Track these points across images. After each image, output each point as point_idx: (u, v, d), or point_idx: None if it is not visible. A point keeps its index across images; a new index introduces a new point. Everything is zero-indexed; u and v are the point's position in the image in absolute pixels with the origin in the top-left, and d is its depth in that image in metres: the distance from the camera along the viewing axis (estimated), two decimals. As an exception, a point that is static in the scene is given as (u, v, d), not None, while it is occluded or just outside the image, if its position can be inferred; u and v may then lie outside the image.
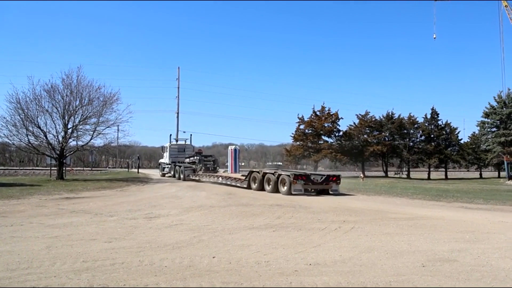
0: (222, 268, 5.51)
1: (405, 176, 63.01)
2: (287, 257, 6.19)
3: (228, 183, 23.23)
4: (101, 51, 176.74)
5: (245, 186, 20.98)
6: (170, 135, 40.03)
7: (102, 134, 30.60)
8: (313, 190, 18.85)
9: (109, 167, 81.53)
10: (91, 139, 30.48)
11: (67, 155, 31.07)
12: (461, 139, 64.56)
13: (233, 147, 29.31)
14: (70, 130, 29.23)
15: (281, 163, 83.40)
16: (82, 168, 62.81)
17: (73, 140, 30.74)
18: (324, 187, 18.65)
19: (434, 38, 58.93)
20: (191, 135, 39.27)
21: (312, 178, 18.34)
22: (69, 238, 7.69)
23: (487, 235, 8.43)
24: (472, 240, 7.86)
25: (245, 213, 11.69)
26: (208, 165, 29.30)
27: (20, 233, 8.16)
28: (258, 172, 20.48)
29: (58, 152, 29.27)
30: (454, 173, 78.78)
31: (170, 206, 13.35)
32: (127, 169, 62.23)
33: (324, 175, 19.08)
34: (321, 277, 5.10)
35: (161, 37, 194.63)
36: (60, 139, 29.11)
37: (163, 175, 36.06)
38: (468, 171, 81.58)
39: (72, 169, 45.12)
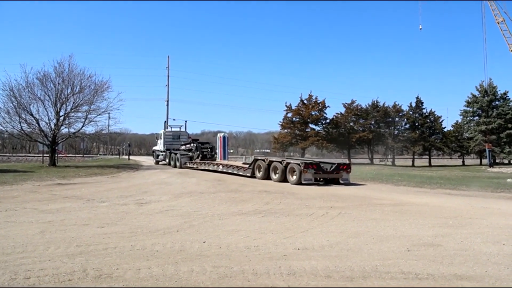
0: (212, 253, 5.62)
1: (390, 163, 63.77)
2: (276, 242, 6.32)
3: (230, 171, 22.10)
4: (93, 40, 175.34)
5: (248, 174, 20.04)
6: (165, 121, 38.75)
7: (94, 121, 31.07)
8: (321, 180, 17.96)
9: (100, 154, 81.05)
10: (82, 126, 30.95)
11: (59, 142, 31.61)
12: (444, 128, 65.47)
13: (221, 134, 29.19)
14: (62, 118, 29.69)
15: (269, 151, 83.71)
16: (73, 155, 62.46)
17: (65, 127, 31.27)
18: (334, 176, 17.67)
19: (420, 29, 59.23)
20: (185, 121, 38.70)
21: (322, 166, 17.36)
22: (62, 223, 7.75)
23: (469, 221, 8.65)
24: (455, 225, 8.07)
25: (235, 199, 11.81)
26: (205, 153, 28.48)
27: (14, 218, 8.21)
28: (263, 160, 19.52)
29: (50, 139, 29.68)
30: (437, 161, 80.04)
31: (160, 192, 13.42)
32: (118, 156, 61.99)
33: (334, 164, 17.95)
34: (309, 262, 5.23)
35: (151, 26, 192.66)
36: (52, 126, 29.50)
37: (157, 162, 35.35)
38: (451, 158, 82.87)
39: (66, 155, 44.59)
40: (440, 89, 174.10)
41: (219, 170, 23.34)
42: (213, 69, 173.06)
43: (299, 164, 17.00)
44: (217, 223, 7.98)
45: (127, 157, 51.74)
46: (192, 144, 29.63)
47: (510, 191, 16.13)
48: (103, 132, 35.65)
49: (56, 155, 31.32)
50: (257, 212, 9.36)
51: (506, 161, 58.37)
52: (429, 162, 67.36)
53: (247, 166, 20.60)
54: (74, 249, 5.73)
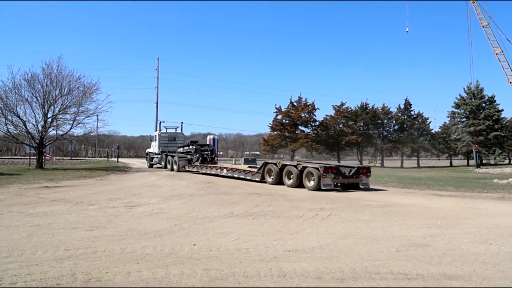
0: (203, 255, 5.60)
1: (379, 164, 64.17)
2: (267, 244, 6.32)
3: (235, 175, 20.59)
4: (82, 42, 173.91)
5: (257, 179, 18.70)
6: (160, 122, 36.15)
7: (82, 123, 30.63)
8: (339, 185, 16.59)
9: (88, 157, 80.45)
10: (70, 128, 30.57)
11: (46, 144, 31.21)
12: (432, 129, 66.27)
13: (211, 136, 29.06)
14: (49, 120, 29.29)
15: (258, 153, 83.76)
16: (61, 158, 61.84)
17: (53, 129, 30.79)
18: (354, 180, 16.38)
19: (407, 31, 59.62)
20: (182, 123, 35.90)
21: (341, 170, 16.09)
22: (50, 226, 7.67)
23: (457, 221, 8.74)
24: (443, 226, 8.15)
25: (225, 201, 11.79)
26: (205, 156, 27.07)
27: (0, 222, 8.09)
28: (275, 164, 18.02)
29: (37, 141, 29.26)
30: (426, 162, 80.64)
31: (150, 195, 13.34)
32: (106, 159, 61.51)
33: (353, 167, 16.88)
34: (299, 263, 5.24)
35: (141, 28, 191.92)
36: (40, 128, 29.11)
37: (151, 166, 33.79)
38: (439, 159, 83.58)
39: (52, 158, 44.08)
40: (428, 91, 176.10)
41: (223, 174, 21.92)
42: (203, 72, 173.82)
43: (317, 168, 15.56)
44: (207, 225, 7.95)
45: (116, 159, 51.42)
46: (190, 146, 28.17)
47: (497, 192, 16.33)
48: (91, 134, 35.19)
49: (43, 158, 30.94)
50: (247, 215, 9.36)
51: (492, 162, 59.06)
52: (418, 163, 68.02)
53: (255, 170, 19.45)
54: (62, 253, 5.67)
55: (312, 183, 15.74)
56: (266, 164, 18.60)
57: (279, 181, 17.49)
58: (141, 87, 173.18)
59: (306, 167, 16.27)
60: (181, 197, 12.82)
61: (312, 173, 15.83)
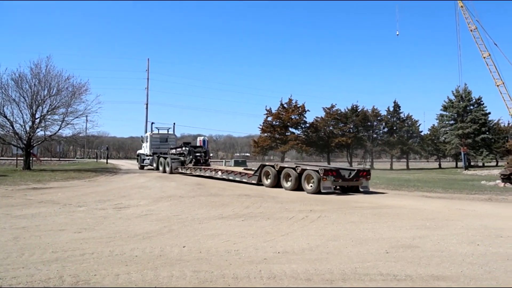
0: (192, 257, 5.58)
1: (369, 166, 64.51)
2: (256, 246, 6.31)
3: (231, 178, 20.08)
4: (71, 42, 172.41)
5: (254, 182, 18.25)
6: (152, 123, 35.27)
7: (71, 124, 30.29)
8: (338, 188, 16.29)
9: (77, 158, 79.87)
10: (59, 129, 30.26)
11: (34, 145, 30.78)
12: (421, 131, 67.07)
13: (201, 138, 28.88)
14: (37, 120, 28.93)
15: (248, 154, 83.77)
16: (49, 159, 61.24)
17: (41, 130, 30.34)
18: (354, 183, 16.08)
19: (397, 35, 60.15)
20: (174, 124, 35.94)
21: (341, 173, 15.73)
22: (37, 228, 7.58)
23: (446, 222, 8.81)
24: (432, 227, 8.21)
25: (214, 203, 11.76)
26: (198, 157, 26.58)
27: (-15, 225, 7.97)
28: (272, 166, 17.69)
29: (25, 142, 28.87)
30: (415, 164, 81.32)
31: (139, 197, 13.26)
32: (95, 160, 61.11)
33: (353, 170, 16.49)
34: (289, 265, 5.24)
35: (131, 28, 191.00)
36: (27, 129, 28.77)
37: (142, 167, 33.00)
38: (428, 161, 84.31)
39: (38, 158, 43.57)
40: (417, 93, 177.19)
41: (218, 176, 21.51)
42: (193, 73, 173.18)
43: (317, 171, 15.20)
44: (197, 227, 7.93)
45: (105, 160, 51.10)
46: (183, 148, 27.77)
47: (485, 193, 16.51)
48: (80, 135, 34.67)
49: (31, 159, 30.60)
50: (237, 216, 9.34)
51: (480, 164, 59.69)
52: (407, 165, 68.50)
53: (251, 172, 19.06)
54: (50, 255, 5.60)
55: (311, 186, 15.40)
56: (263, 166, 18.29)
57: (276, 184, 17.18)
58: (131, 88, 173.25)
59: (305, 169, 15.93)
60: (170, 198, 12.76)
61: (311, 176, 15.45)
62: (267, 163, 18.58)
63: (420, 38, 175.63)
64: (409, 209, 11.01)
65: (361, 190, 16.19)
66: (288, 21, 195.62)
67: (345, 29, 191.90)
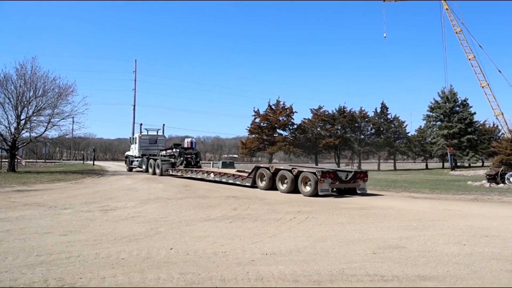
0: (180, 259, 5.54)
1: (356, 168, 64.89)
2: (244, 248, 6.30)
3: (224, 180, 19.68)
4: (58, 43, 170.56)
5: (248, 184, 17.93)
6: (141, 124, 34.59)
7: (57, 125, 30.11)
8: (335, 190, 15.87)
9: (63, 159, 79.03)
10: (45, 130, 30.03)
11: (19, 146, 30.53)
12: (408, 132, 67.41)
13: (189, 139, 28.74)
14: (23, 121, 28.69)
15: (236, 156, 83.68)
16: (35, 160, 60.53)
17: (26, 131, 30.15)
18: (351, 185, 15.77)
19: (384, 37, 60.48)
20: (163, 125, 34.69)
21: (338, 175, 15.52)
22: (22, 231, 7.47)
23: (432, 223, 8.89)
24: (419, 227, 8.28)
25: (202, 205, 11.71)
26: (189, 159, 26.27)
27: (-32, 228, 7.83)
28: (267, 168, 17.24)
29: (9, 143, 28.53)
30: (402, 164, 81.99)
31: (126, 199, 13.16)
32: (82, 161, 60.46)
33: (351, 172, 16.31)
34: (277, 266, 5.23)
35: (118, 30, 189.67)
36: (12, 130, 28.46)
37: (131, 169, 32.43)
38: (415, 162, 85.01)
39: (22, 160, 42.97)
40: (404, 94, 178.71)
41: (210, 179, 20.85)
42: (181, 75, 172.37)
43: (314, 173, 14.88)
44: (185, 229, 7.88)
45: (91, 162, 50.67)
46: (174, 150, 27.34)
47: (471, 193, 16.72)
48: (66, 136, 34.63)
49: (16, 160, 30.17)
50: (225, 218, 9.32)
51: (466, 164, 60.38)
52: (394, 166, 69.01)
53: (245, 174, 18.67)
54: (35, 258, 5.52)
55: (308, 188, 15.03)
56: (257, 168, 17.93)
57: (271, 186, 16.81)
58: (118, 89, 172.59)
59: (302, 171, 15.58)
60: (158, 200, 12.68)
61: (308, 178, 15.11)
62: (261, 165, 18.28)
63: (406, 39, 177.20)
64: (396, 210, 11.09)
65: (358, 192, 15.95)
66: (276, 22, 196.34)
67: (332, 30, 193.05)
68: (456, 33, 48.74)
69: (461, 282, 4.73)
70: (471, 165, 59.40)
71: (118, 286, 4.44)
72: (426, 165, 71.48)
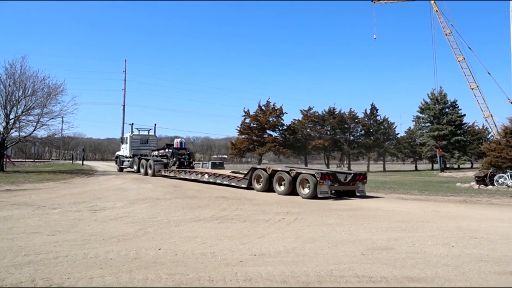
0: (168, 260, 5.51)
1: (346, 169, 65.14)
2: (233, 248, 6.28)
3: (218, 181, 19.19)
4: (48, 42, 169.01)
5: (244, 186, 17.52)
6: (132, 124, 33.45)
7: (46, 125, 29.95)
8: (333, 192, 15.52)
9: (52, 159, 78.34)
10: (34, 130, 29.81)
11: (8, 146, 30.38)
12: (398, 134, 67.85)
13: (179, 139, 28.53)
14: (12, 121, 28.49)
15: (226, 156, 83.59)
16: (24, 160, 59.96)
17: (15, 131, 29.86)
18: (350, 187, 15.43)
19: (375, 38, 60.71)
20: (155, 125, 34.29)
21: (338, 177, 15.12)
22: (10, 231, 7.39)
23: (421, 224, 8.93)
24: (407, 229, 8.31)
25: (191, 205, 11.66)
26: (182, 160, 25.71)
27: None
28: (264, 169, 16.83)
29: None
30: (391, 166, 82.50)
31: (115, 199, 13.07)
32: (71, 161, 59.94)
33: (350, 174, 15.93)
34: (265, 267, 5.22)
35: (108, 29, 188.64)
36: (1, 129, 28.33)
37: (121, 170, 31.90)
38: (404, 163, 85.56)
39: (10, 160, 42.43)
40: (394, 95, 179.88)
41: (204, 180, 20.31)
42: (170, 74, 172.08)
43: (313, 175, 14.42)
44: (173, 229, 7.84)
45: (81, 162, 50.32)
46: (167, 150, 26.75)
47: (459, 195, 16.85)
48: (56, 136, 34.34)
49: (4, 160, 29.98)
50: (213, 218, 9.28)
51: (455, 166, 60.90)
52: (384, 167, 69.51)
53: (241, 176, 18.16)
54: (22, 258, 5.46)
55: (307, 190, 14.64)
56: (254, 169, 17.50)
57: (268, 188, 16.42)
58: (108, 89, 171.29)
59: (300, 173, 15.19)
60: (147, 201, 12.61)
61: (307, 180, 14.73)
62: (258, 166, 17.98)
63: (397, 41, 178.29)
64: (385, 211, 11.13)
65: (357, 194, 15.65)
66: (266, 23, 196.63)
67: (323, 31, 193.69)
68: (446, 35, 49.23)
69: (450, 283, 4.74)
70: (460, 166, 59.98)
71: (106, 286, 4.40)
72: (416, 166, 71.99)
